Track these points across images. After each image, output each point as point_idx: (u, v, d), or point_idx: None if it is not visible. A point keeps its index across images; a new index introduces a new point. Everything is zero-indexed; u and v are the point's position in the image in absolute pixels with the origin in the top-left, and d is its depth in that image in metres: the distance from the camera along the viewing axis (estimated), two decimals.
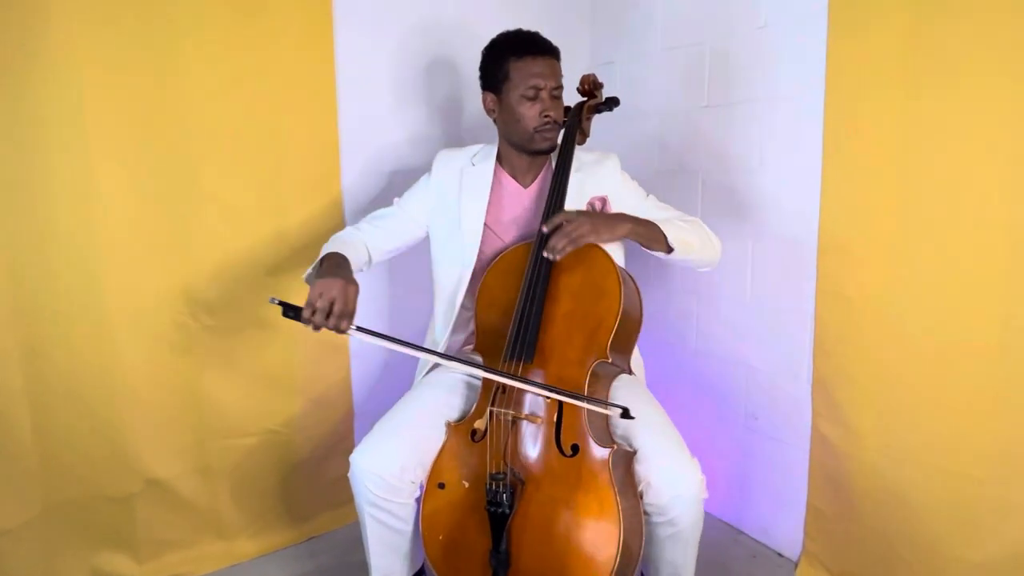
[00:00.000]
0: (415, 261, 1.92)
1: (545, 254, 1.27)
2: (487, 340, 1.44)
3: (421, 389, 1.48)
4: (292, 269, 1.85)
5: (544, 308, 1.34)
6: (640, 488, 1.25)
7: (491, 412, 1.31)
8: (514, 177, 1.56)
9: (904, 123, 1.46)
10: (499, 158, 1.57)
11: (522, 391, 1.30)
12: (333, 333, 1.20)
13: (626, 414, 1.19)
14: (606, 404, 1.23)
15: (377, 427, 1.37)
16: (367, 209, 1.98)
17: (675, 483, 1.23)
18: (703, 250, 1.45)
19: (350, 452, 2.02)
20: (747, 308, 1.89)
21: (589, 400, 1.25)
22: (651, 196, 1.58)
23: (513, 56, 1.45)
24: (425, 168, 2.04)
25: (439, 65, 2.06)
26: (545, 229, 1.31)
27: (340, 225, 1.93)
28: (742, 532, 1.96)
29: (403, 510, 1.33)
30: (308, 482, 1.95)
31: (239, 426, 1.82)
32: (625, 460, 1.26)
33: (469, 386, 1.48)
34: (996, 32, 1.31)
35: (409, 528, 1.36)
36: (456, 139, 2.11)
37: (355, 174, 1.94)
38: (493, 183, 1.54)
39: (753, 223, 1.85)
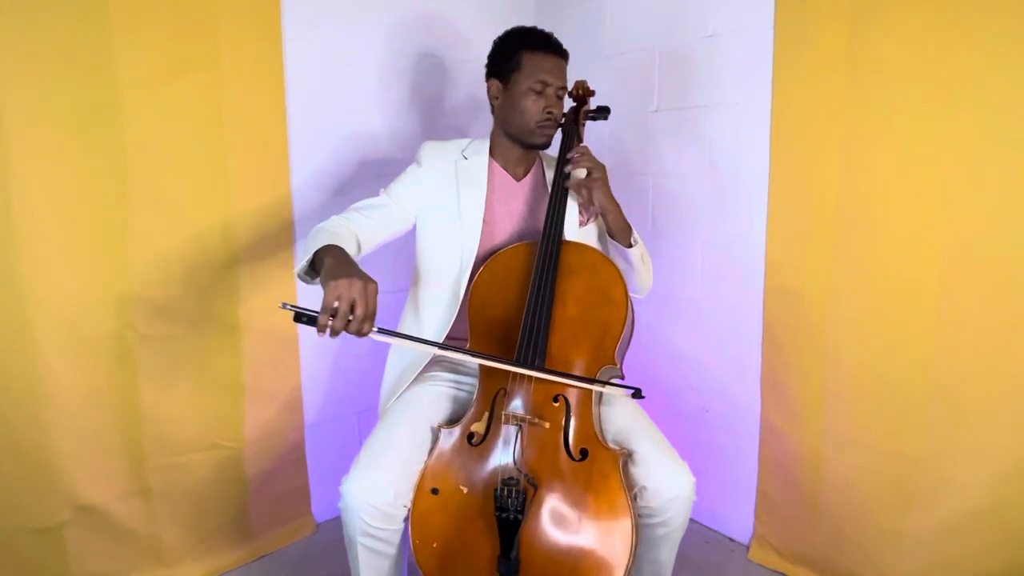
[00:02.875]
0: (372, 259, 1.85)
1: (567, 168, 1.44)
2: (482, 342, 1.39)
3: (404, 407, 1.41)
4: (239, 270, 1.72)
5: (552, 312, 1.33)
6: (634, 492, 1.27)
7: (494, 415, 1.29)
8: (506, 169, 1.55)
9: (846, 128, 1.58)
10: (491, 150, 1.55)
11: (526, 395, 1.29)
12: (354, 338, 1.12)
13: (637, 394, 1.28)
14: (604, 383, 1.30)
15: (364, 453, 1.29)
16: (318, 206, 1.88)
17: (671, 487, 1.26)
18: (644, 271, 1.53)
19: (301, 464, 1.95)
20: (698, 305, 1.98)
21: (602, 383, 1.30)
22: None
23: (527, 48, 1.47)
24: (376, 160, 1.99)
25: (391, 59, 1.99)
26: (574, 156, 1.44)
27: (289, 223, 1.82)
28: (695, 521, 2.04)
29: (395, 536, 1.27)
30: (257, 498, 1.83)
31: (181, 442, 1.68)
32: (626, 462, 1.27)
33: (454, 399, 1.44)
34: (930, 42, 1.43)
35: (395, 550, 1.30)
36: (412, 128, 2.07)
37: (304, 169, 1.84)
38: (487, 175, 1.52)
39: (703, 224, 1.93)
